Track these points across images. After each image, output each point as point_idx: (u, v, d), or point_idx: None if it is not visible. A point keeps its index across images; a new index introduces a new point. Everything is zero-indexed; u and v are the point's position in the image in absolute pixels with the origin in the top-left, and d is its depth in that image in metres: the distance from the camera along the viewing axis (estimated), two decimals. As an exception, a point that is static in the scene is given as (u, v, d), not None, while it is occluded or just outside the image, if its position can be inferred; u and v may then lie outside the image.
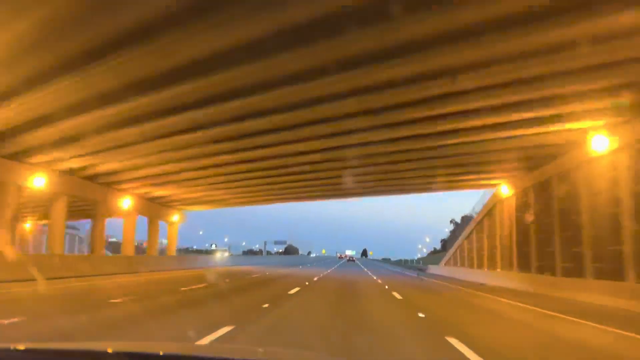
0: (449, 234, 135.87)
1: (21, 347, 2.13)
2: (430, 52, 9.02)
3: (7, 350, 2.04)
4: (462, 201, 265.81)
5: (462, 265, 32.11)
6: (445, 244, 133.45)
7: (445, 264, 38.73)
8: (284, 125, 13.88)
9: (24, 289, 11.65)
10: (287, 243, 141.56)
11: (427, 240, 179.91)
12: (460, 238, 33.58)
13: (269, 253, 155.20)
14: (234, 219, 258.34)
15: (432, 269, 42.68)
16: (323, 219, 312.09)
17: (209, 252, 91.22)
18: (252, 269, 29.85)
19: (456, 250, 35.05)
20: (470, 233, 30.10)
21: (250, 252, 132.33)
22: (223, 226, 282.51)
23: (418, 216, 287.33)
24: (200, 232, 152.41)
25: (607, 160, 13.57)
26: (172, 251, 32.44)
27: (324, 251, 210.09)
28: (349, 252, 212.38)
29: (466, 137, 14.64)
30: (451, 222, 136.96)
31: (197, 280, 16.35)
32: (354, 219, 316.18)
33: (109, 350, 2.11)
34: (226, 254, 67.92)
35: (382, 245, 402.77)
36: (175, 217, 31.59)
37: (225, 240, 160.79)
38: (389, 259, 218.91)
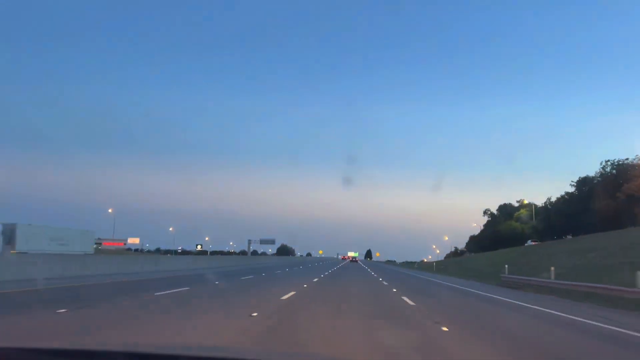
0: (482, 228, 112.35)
1: (21, 347, 2.10)
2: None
3: (7, 350, 2.01)
4: (480, 198, 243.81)
5: None
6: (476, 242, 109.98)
7: None
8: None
9: None
10: (275, 241, 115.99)
11: (445, 239, 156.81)
12: None
13: (263, 254, 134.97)
14: (233, 221, 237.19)
15: None
16: (323, 220, 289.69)
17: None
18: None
19: None
20: None
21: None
22: (219, 229, 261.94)
23: (425, 217, 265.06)
24: (170, 229, 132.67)
25: None
26: None
27: (320, 252, 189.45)
28: (351, 254, 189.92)
29: None
30: (485, 213, 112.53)
31: None
32: (356, 220, 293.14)
33: (109, 350, 2.16)
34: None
35: (384, 247, 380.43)
36: None
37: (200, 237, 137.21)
38: (394, 261, 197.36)
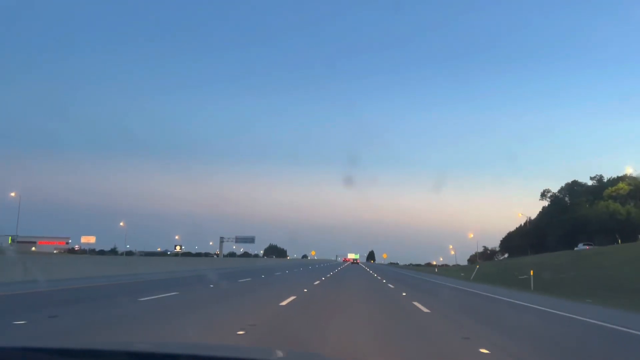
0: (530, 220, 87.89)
1: (21, 347, 2.06)
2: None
3: (7, 350, 1.97)
4: (495, 196, 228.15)
5: None
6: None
7: None
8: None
9: None
10: (255, 239, 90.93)
11: (470, 236, 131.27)
12: None
13: (256, 256, 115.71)
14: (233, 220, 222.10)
15: None
16: (323, 221, 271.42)
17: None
18: None
19: None
20: None
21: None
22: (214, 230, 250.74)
23: (432, 218, 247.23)
24: (121, 224, 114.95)
25: None
26: None
27: (313, 253, 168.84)
28: (351, 255, 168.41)
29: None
30: (545, 195, 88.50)
31: None
32: (357, 221, 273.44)
33: (110, 350, 2.11)
34: None
35: (387, 249, 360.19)
36: None
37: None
38: (397, 263, 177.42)
